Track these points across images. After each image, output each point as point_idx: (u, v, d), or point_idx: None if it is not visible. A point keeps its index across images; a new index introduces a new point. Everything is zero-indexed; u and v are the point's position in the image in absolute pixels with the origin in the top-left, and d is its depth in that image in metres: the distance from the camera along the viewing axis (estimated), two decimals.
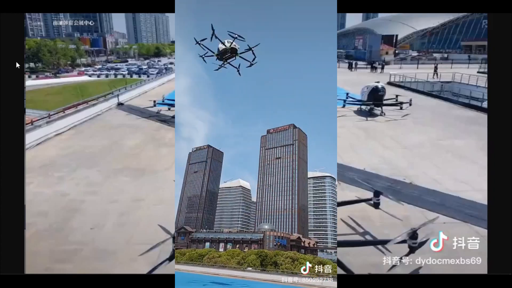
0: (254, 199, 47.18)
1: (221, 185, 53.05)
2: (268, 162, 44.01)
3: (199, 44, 11.49)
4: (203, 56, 11.96)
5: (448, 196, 13.39)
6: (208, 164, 52.63)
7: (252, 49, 11.66)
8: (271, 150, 45.01)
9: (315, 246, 27.34)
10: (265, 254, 17.16)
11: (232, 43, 11.56)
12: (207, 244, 26.25)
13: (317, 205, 41.62)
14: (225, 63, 12.23)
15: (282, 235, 25.32)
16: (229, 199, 51.23)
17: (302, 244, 25.73)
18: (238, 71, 12.36)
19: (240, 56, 11.95)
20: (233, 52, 11.83)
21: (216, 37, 11.15)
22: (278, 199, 39.77)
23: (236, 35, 11.10)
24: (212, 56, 11.99)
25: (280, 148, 44.32)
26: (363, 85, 29.96)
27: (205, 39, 11.44)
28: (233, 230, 32.48)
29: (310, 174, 43.64)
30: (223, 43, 11.64)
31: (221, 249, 24.42)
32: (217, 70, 12.40)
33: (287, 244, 24.21)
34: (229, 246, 25.05)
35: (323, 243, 36.17)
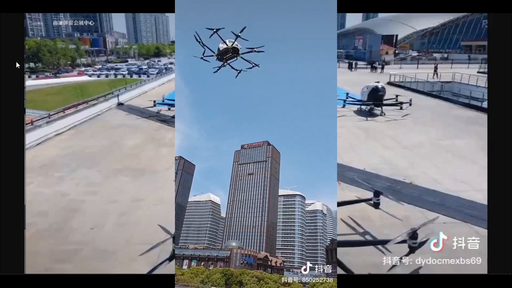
0: (223, 214, 46.14)
1: (190, 198, 51.24)
2: (240, 178, 43.88)
3: (200, 42, 10.85)
4: (202, 56, 11.28)
5: (448, 196, 13.38)
6: (178, 176, 50.37)
7: (255, 50, 11.08)
8: (244, 165, 44.84)
9: (282, 265, 26.82)
10: (231, 273, 16.65)
11: (234, 42, 10.93)
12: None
13: (286, 223, 41.27)
14: (225, 64, 11.59)
15: (249, 253, 24.66)
16: (198, 213, 49.58)
17: (269, 263, 25.07)
18: (238, 73, 11.75)
19: (241, 57, 11.38)
20: (234, 52, 11.20)
21: (218, 35, 10.51)
22: (247, 215, 39.45)
23: (239, 34, 10.48)
24: (212, 56, 11.32)
25: (253, 164, 44.26)
26: (363, 85, 29.96)
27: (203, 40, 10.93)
28: (199, 246, 31.50)
29: (281, 192, 43.47)
30: (225, 42, 10.99)
31: (184, 266, 23.57)
32: (216, 72, 11.77)
33: (254, 263, 23.56)
34: (193, 263, 24.11)
35: (289, 263, 35.71)
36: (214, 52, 11.29)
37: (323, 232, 40.58)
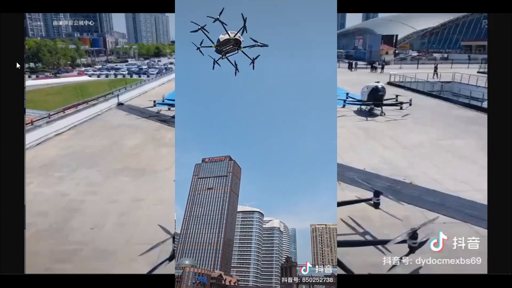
0: (178, 230, 46.36)
1: None
2: (198, 192, 43.00)
3: (203, 30, 10.17)
4: (200, 46, 10.61)
5: (448, 196, 13.38)
6: None
7: (259, 44, 10.51)
8: (203, 179, 44.22)
9: (236, 284, 26.56)
10: None
11: (236, 34, 10.29)
12: None
13: (242, 240, 40.37)
14: (224, 57, 10.91)
15: (202, 271, 24.23)
16: None
17: (223, 282, 24.85)
18: (236, 69, 11.17)
19: (242, 51, 10.76)
20: (236, 44, 10.51)
21: (221, 24, 9.88)
22: (204, 231, 38.26)
23: (244, 27, 9.84)
24: (210, 47, 10.58)
25: (213, 178, 43.30)
26: (363, 85, 29.98)
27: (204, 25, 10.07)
28: None
29: (239, 208, 42.69)
30: (228, 33, 10.30)
31: None
32: (214, 64, 11.03)
33: (207, 282, 23.29)
34: None
35: (244, 281, 35.02)
36: (213, 43, 10.64)
37: (279, 250, 40.45)
